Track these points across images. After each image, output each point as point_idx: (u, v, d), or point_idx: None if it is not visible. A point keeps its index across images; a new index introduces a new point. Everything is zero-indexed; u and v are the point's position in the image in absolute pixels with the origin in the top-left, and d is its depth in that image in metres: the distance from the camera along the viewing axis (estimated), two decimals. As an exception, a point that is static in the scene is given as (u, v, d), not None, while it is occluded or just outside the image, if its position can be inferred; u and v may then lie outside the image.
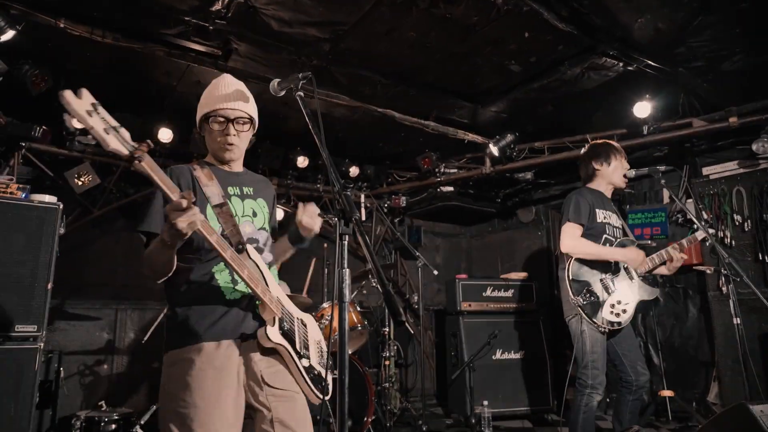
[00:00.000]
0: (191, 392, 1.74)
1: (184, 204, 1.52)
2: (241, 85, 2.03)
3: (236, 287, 1.88)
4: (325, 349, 2.19)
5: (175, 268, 1.77)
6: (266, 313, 1.87)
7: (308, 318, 2.16)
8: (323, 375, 2.06)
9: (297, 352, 1.94)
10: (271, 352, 1.90)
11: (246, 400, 1.84)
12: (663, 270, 3.34)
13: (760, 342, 4.36)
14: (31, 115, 4.47)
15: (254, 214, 2.03)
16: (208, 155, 2.08)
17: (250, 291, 1.82)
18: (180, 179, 1.88)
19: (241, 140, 2.00)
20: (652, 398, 5.08)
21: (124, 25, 3.62)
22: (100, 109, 1.44)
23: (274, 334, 1.84)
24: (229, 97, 1.96)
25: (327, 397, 2.04)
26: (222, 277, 1.88)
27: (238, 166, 2.09)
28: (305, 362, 1.97)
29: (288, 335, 1.92)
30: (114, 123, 1.47)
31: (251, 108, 2.02)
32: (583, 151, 3.60)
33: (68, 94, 1.37)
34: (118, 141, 1.46)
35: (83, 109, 1.40)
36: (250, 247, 1.88)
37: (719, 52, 3.91)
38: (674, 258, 3.22)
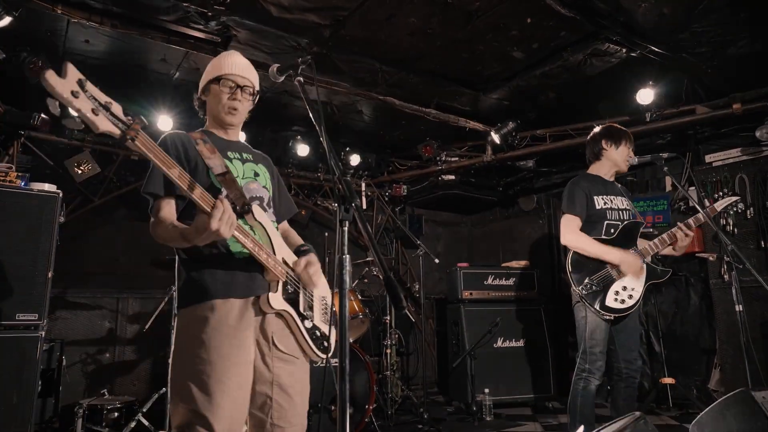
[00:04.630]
0: (206, 349, 1.74)
1: (219, 211, 1.60)
2: (248, 62, 2.13)
3: (243, 248, 1.88)
4: (329, 303, 2.22)
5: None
6: (270, 277, 1.90)
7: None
8: (326, 333, 2.10)
9: (300, 314, 1.99)
10: (279, 314, 1.95)
11: (254, 358, 1.86)
12: (671, 251, 3.25)
13: (761, 329, 4.36)
14: (30, 103, 4.45)
15: (256, 174, 2.08)
16: (207, 123, 2.14)
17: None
18: (187, 149, 1.93)
19: (243, 107, 2.07)
20: (653, 385, 5.09)
21: (123, 11, 3.58)
22: (88, 85, 1.36)
23: (275, 300, 1.88)
24: (241, 66, 2.06)
25: (329, 355, 2.09)
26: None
27: (235, 135, 2.16)
28: (308, 323, 2.02)
29: (292, 297, 1.98)
30: (104, 99, 1.40)
31: (256, 82, 2.12)
32: (597, 129, 3.47)
33: (50, 76, 1.28)
34: (108, 121, 1.40)
35: (68, 90, 1.32)
36: (256, 208, 1.89)
37: (724, 37, 3.87)
38: (679, 237, 3.13)
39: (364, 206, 6.97)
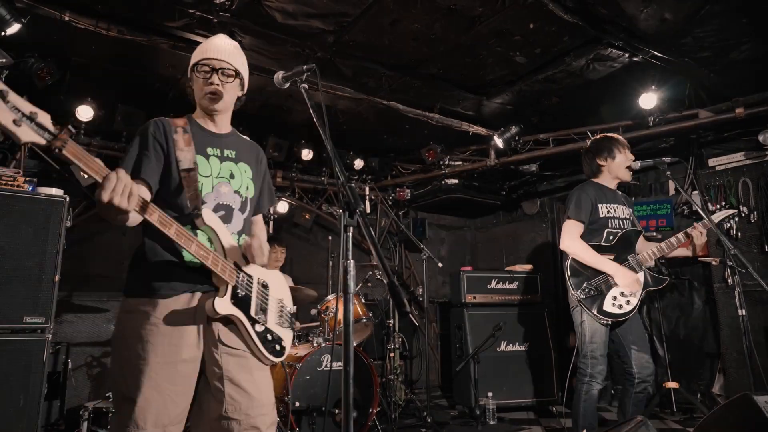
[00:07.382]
0: (143, 346, 1.76)
1: (111, 183, 1.49)
2: (233, 43, 2.07)
3: (195, 258, 1.87)
4: (288, 306, 2.19)
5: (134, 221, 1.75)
6: (219, 281, 1.88)
7: (273, 276, 2.16)
8: (281, 335, 2.06)
9: (251, 318, 1.94)
10: (227, 318, 1.91)
11: (203, 354, 1.87)
12: (685, 252, 3.26)
13: (765, 334, 4.35)
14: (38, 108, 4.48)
15: (231, 176, 2.03)
16: (197, 109, 2.08)
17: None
18: (167, 138, 1.91)
19: (225, 91, 1.99)
20: (657, 390, 5.08)
21: (129, 18, 3.63)
22: (11, 96, 1.33)
23: (221, 305, 1.84)
24: (217, 48, 2.00)
25: (282, 359, 2.06)
26: None
27: (224, 126, 2.10)
28: (259, 327, 1.97)
29: (243, 301, 1.93)
30: (29, 109, 1.36)
31: (239, 63, 2.04)
32: (586, 147, 3.55)
33: None
34: (32, 131, 1.37)
35: None
36: (205, 212, 1.86)
37: (726, 41, 3.88)
38: (695, 236, 3.12)
39: (368, 210, 6.99)
